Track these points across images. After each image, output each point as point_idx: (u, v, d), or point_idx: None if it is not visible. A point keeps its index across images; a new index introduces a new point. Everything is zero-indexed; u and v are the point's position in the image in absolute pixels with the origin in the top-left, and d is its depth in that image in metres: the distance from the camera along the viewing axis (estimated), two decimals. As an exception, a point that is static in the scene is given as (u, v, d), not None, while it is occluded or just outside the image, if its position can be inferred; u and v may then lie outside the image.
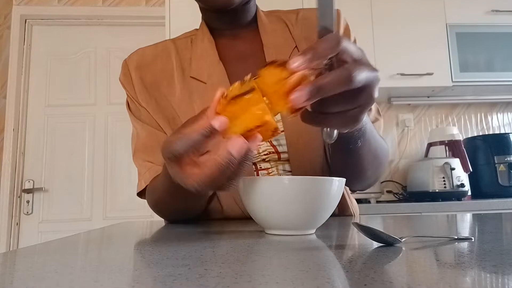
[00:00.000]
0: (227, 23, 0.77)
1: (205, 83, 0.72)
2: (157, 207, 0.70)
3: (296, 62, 0.35)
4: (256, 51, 0.77)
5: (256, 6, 0.80)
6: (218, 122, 0.37)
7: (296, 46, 0.75)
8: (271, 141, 0.70)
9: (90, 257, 0.34)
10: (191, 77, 0.74)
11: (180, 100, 0.73)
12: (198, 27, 0.81)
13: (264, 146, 0.71)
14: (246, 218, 0.69)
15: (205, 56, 0.75)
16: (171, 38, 0.84)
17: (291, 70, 0.35)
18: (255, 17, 0.79)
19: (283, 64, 0.36)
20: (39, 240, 2.29)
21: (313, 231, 0.48)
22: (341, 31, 0.76)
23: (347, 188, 0.79)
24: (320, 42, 0.36)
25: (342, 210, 0.77)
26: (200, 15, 0.80)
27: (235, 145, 0.36)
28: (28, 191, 2.33)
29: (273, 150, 0.70)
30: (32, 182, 2.34)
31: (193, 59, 0.76)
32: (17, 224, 2.31)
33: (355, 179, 0.70)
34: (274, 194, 0.44)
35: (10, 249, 2.21)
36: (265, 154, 0.71)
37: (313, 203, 0.44)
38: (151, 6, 2.51)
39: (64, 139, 2.41)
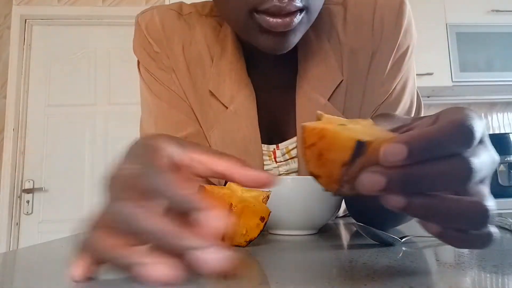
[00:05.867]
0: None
1: (226, 108, 0.55)
2: None
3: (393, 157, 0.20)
4: (291, 72, 0.57)
5: None
6: (205, 215, 0.21)
7: (342, 81, 0.55)
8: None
9: (90, 257, 0.34)
10: (209, 90, 0.56)
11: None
12: None
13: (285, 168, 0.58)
14: None
15: (229, 68, 0.55)
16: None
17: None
18: None
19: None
20: (39, 240, 2.29)
21: (316, 231, 0.48)
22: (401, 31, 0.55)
23: None
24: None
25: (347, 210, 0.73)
26: None
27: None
28: (28, 191, 2.33)
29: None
30: (32, 182, 2.34)
31: (215, 61, 0.57)
32: (17, 224, 2.30)
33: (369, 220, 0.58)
34: (277, 194, 0.44)
35: (10, 249, 2.21)
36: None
37: (315, 203, 0.44)
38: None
39: (64, 139, 2.41)
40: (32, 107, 2.42)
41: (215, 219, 0.21)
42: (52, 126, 2.41)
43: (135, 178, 0.24)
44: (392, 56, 0.55)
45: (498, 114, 2.46)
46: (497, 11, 2.13)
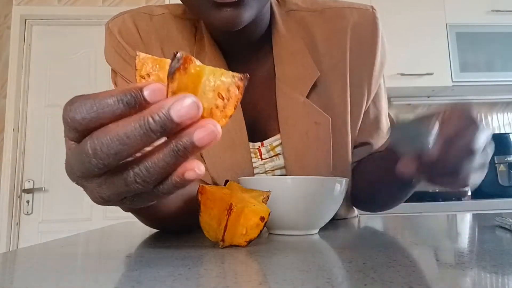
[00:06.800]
0: (232, 40, 0.58)
1: None
2: None
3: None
4: (269, 70, 0.60)
5: (273, 10, 0.60)
6: (150, 89, 0.23)
7: (319, 76, 0.58)
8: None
9: (90, 257, 0.34)
10: None
11: None
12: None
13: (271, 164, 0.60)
14: None
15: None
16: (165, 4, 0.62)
17: None
18: (271, 26, 0.59)
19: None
20: (39, 240, 2.29)
21: (316, 231, 0.48)
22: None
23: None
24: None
25: (347, 212, 0.70)
26: None
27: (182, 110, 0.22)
28: (28, 191, 2.33)
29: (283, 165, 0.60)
30: (32, 182, 2.34)
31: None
32: (17, 224, 2.30)
33: (381, 206, 0.68)
34: (277, 194, 0.44)
35: (10, 249, 2.21)
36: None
37: (315, 203, 0.44)
38: (151, 6, 2.51)
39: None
40: (32, 107, 2.42)
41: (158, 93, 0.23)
42: (52, 126, 2.41)
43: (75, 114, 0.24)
44: (374, 58, 0.61)
45: (498, 114, 2.46)
46: (497, 11, 2.13)
